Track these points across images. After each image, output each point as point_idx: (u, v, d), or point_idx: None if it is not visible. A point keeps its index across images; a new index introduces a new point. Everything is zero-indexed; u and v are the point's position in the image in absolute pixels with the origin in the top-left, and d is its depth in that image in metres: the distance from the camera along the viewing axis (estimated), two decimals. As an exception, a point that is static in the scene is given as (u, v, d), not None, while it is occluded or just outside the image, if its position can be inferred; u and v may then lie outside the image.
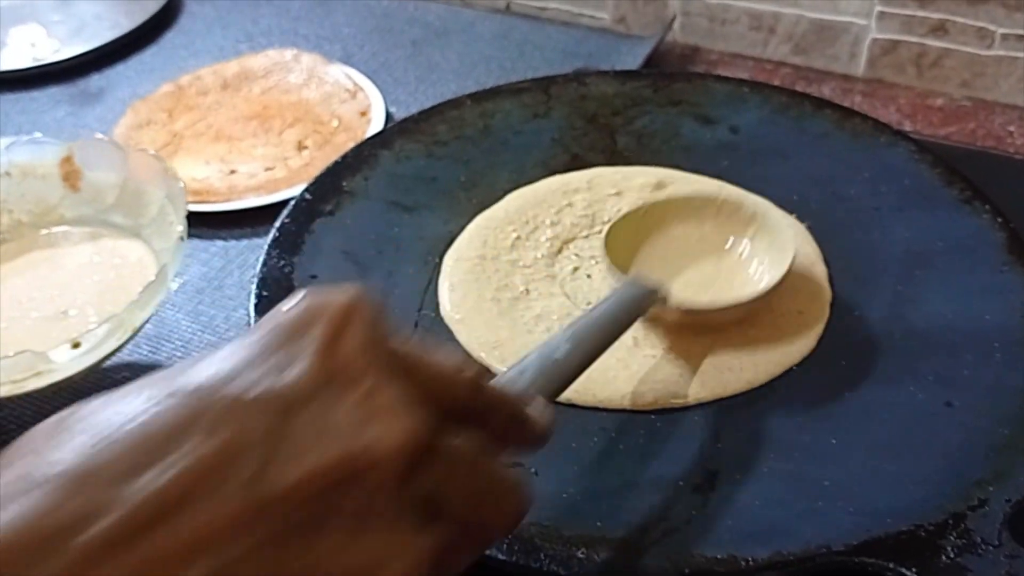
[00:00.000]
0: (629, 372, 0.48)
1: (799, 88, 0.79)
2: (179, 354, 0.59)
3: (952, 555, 0.38)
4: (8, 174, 0.60)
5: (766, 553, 0.39)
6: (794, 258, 0.49)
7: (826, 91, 0.79)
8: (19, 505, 0.23)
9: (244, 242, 0.66)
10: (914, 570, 0.38)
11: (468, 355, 0.50)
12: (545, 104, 0.64)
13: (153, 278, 0.51)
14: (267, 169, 0.71)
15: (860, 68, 0.79)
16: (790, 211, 0.56)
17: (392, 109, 0.76)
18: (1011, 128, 0.74)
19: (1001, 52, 0.74)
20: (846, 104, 0.73)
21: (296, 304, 0.28)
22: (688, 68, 0.82)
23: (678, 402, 0.47)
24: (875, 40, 0.78)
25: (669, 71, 0.78)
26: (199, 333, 0.60)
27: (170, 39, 0.88)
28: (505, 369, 0.48)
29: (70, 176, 0.60)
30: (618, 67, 0.78)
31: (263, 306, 0.51)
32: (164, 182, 0.57)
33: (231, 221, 0.67)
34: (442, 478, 0.27)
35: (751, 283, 0.51)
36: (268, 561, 0.24)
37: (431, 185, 0.60)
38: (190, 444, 0.24)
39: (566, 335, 0.40)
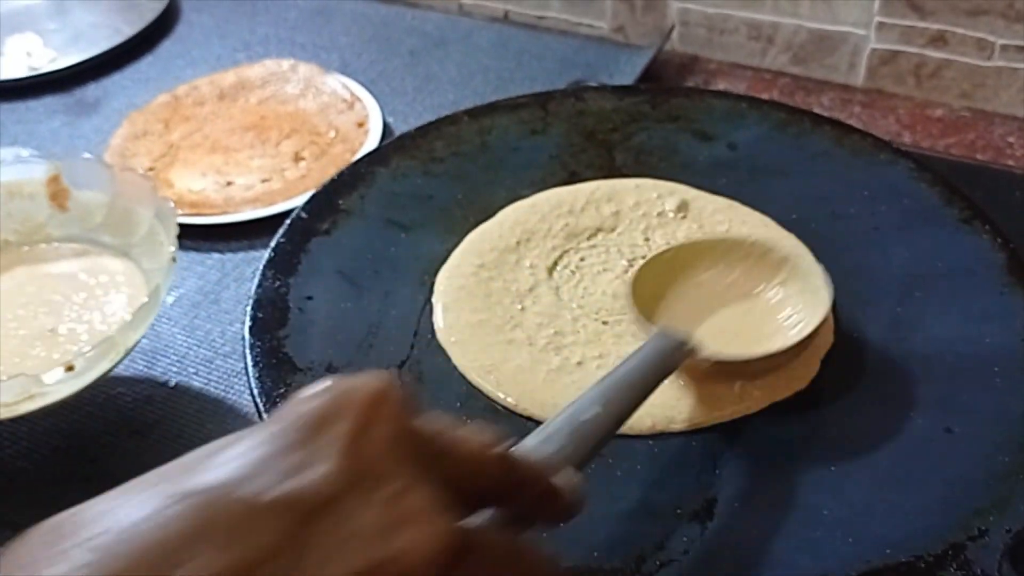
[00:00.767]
0: (627, 397, 0.47)
1: (798, 98, 0.78)
2: (174, 369, 0.59)
3: (951, 587, 0.38)
4: (-6, 193, 0.60)
5: (764, 585, 0.39)
6: (831, 305, 0.48)
7: (825, 101, 0.78)
8: None
9: (240, 255, 0.66)
10: (913, 602, 0.38)
11: (465, 380, 0.49)
12: (543, 120, 0.64)
13: (145, 299, 0.51)
14: (263, 181, 0.71)
15: (859, 78, 0.79)
16: (789, 229, 0.56)
17: (390, 119, 0.76)
18: (1011, 139, 0.74)
19: (1001, 63, 0.74)
20: (845, 114, 0.73)
21: (319, 393, 0.26)
22: (687, 78, 0.82)
23: (676, 427, 0.46)
24: (874, 50, 0.77)
25: (668, 86, 0.77)
26: (195, 348, 0.60)
27: (167, 48, 0.88)
28: (503, 396, 0.48)
29: (57, 195, 0.60)
30: (616, 76, 0.78)
31: (258, 328, 0.51)
32: (153, 201, 0.56)
33: (228, 234, 0.67)
34: (475, 573, 0.26)
35: (781, 331, 0.49)
36: None
37: (428, 203, 0.59)
38: (203, 559, 0.22)
39: (594, 395, 0.38)
